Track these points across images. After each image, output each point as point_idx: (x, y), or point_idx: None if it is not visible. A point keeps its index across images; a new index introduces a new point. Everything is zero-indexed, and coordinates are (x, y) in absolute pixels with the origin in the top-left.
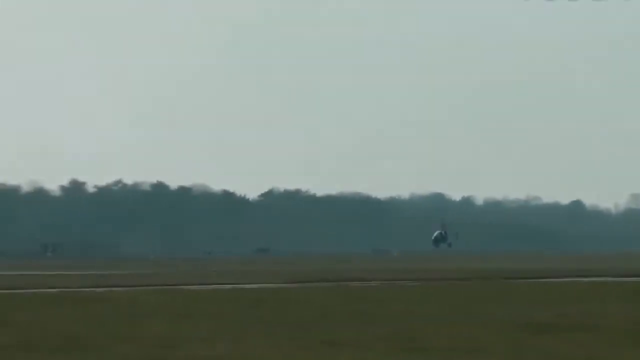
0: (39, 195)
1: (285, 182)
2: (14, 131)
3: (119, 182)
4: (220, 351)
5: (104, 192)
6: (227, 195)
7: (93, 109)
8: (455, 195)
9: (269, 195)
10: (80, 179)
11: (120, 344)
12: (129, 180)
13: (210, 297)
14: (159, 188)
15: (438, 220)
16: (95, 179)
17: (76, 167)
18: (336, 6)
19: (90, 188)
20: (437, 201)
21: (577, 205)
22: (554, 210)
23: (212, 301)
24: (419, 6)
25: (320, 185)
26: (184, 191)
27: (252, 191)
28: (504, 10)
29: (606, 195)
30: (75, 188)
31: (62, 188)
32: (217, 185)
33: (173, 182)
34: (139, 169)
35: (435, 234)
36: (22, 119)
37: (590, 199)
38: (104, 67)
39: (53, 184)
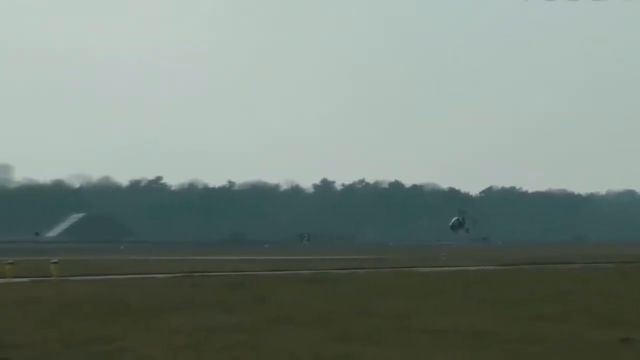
0: (295, 192)
1: (502, 181)
2: (272, 135)
3: (362, 181)
4: (447, 323)
5: (350, 190)
6: (453, 192)
7: (343, 116)
8: None
9: (489, 192)
10: (330, 178)
11: (362, 317)
12: (370, 179)
13: (439, 277)
14: (396, 185)
15: (629, 213)
16: (342, 178)
17: (326, 168)
18: None
19: (338, 186)
20: (630, 196)
21: None
22: None
23: (441, 281)
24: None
25: (531, 182)
26: (416, 189)
27: (474, 188)
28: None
29: None
30: (325, 186)
31: (315, 186)
32: (445, 183)
33: (407, 181)
34: (380, 169)
35: (453, 220)
36: (277, 123)
37: None
38: (356, 78)
39: (307, 182)
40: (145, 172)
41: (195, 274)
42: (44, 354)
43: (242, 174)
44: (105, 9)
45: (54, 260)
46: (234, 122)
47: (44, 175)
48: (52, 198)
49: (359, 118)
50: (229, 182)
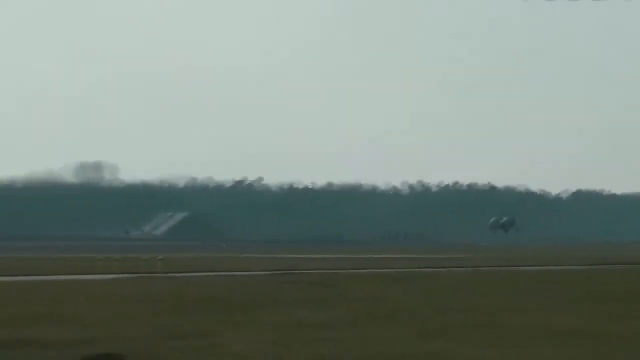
0: (392, 192)
1: (591, 183)
2: (370, 138)
3: (456, 182)
4: (530, 320)
5: (444, 191)
6: (543, 194)
7: (438, 120)
8: None
9: (577, 194)
10: (425, 180)
11: (445, 314)
12: (464, 181)
13: (524, 276)
14: (488, 187)
15: None
16: (437, 180)
17: (422, 170)
18: None
19: (433, 187)
20: None
21: None
22: None
23: (526, 279)
24: None
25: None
26: (507, 190)
27: (563, 190)
28: None
29: None
30: (421, 187)
31: (410, 187)
32: (536, 185)
33: (499, 183)
34: (473, 171)
35: (492, 220)
36: (375, 126)
37: None
38: (450, 82)
39: (404, 184)
40: (247, 173)
41: (289, 271)
42: (145, 347)
43: (341, 175)
44: (214, 17)
45: (159, 257)
46: (333, 125)
47: (150, 175)
48: (158, 197)
49: (454, 121)
50: (328, 183)
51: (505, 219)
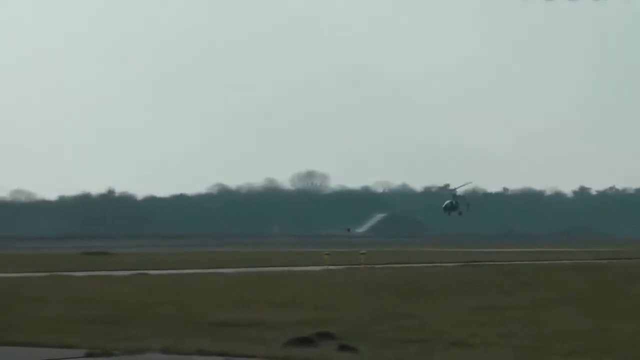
0: (557, 196)
1: None
2: (538, 144)
3: (612, 187)
4: None
5: (602, 194)
6: None
7: (596, 132)
8: None
9: None
10: (586, 185)
11: (615, 298)
12: (619, 186)
13: None
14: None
15: None
16: (597, 185)
17: (585, 175)
18: None
19: (593, 192)
20: None
21: None
22: None
23: None
24: None
25: None
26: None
27: None
28: None
29: None
30: (582, 192)
31: (574, 192)
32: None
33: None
34: (629, 176)
35: (446, 202)
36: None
37: None
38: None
39: (567, 188)
40: (436, 180)
41: (475, 263)
42: (355, 327)
43: (515, 181)
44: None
45: (362, 252)
46: (509, 131)
47: (354, 182)
48: (361, 201)
49: (612, 132)
50: (504, 188)
51: (448, 201)
